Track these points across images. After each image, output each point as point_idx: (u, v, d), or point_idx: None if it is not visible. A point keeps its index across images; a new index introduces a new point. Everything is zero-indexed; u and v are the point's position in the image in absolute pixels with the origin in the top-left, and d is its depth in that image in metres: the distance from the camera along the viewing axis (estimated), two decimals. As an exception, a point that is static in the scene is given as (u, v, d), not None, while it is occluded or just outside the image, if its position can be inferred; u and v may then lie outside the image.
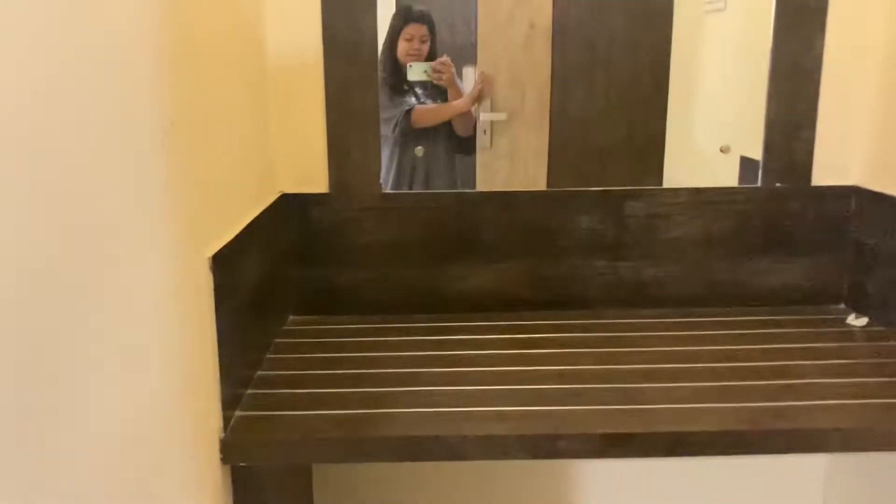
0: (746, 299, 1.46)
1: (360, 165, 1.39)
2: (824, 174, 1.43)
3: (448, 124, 1.82)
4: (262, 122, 1.31)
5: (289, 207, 1.39)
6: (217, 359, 0.97)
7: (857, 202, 1.42)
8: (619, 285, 1.45)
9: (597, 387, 1.12)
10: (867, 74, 1.38)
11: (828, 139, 1.41)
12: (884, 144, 1.37)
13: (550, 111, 1.88)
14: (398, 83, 1.78)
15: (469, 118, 1.77)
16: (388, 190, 1.43)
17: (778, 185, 1.43)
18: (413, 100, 1.80)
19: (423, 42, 1.79)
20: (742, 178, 1.66)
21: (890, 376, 1.16)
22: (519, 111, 1.81)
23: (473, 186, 1.80)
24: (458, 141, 1.81)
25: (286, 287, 1.41)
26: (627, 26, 1.96)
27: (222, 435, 0.99)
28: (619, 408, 1.06)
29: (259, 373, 1.18)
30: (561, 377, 1.16)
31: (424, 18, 1.80)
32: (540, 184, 1.80)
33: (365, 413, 1.05)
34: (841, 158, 1.42)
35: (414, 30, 1.78)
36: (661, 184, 1.81)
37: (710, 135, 1.98)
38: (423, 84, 1.79)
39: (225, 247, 1.00)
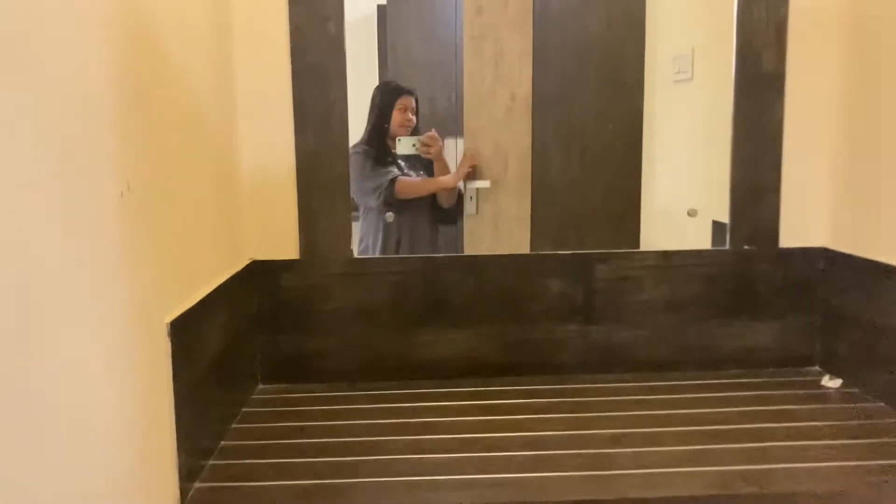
0: (718, 363, 1.45)
1: (330, 232, 1.39)
2: (791, 236, 1.44)
3: (432, 195, 1.86)
4: (231, 188, 1.32)
5: (258, 274, 1.38)
6: (174, 428, 0.94)
7: (825, 263, 1.43)
8: (590, 349, 1.44)
9: (565, 453, 1.10)
10: (829, 136, 1.42)
11: (793, 201, 1.43)
12: (848, 205, 1.39)
13: (532, 179, 1.93)
14: (383, 155, 1.83)
15: (453, 192, 1.81)
16: (360, 255, 1.43)
17: (746, 247, 1.44)
18: (396, 170, 1.84)
19: (413, 113, 1.86)
20: (714, 242, 1.68)
21: (865, 438, 1.14)
22: (502, 179, 1.86)
23: (461, 252, 1.82)
24: (441, 212, 1.85)
25: (254, 355, 1.39)
26: (601, 97, 2.03)
27: (178, 508, 0.96)
28: (587, 474, 1.04)
29: (223, 443, 1.15)
30: (529, 444, 1.13)
31: (412, 92, 1.88)
32: (523, 248, 1.83)
33: (328, 483, 1.02)
34: (807, 220, 1.44)
35: (406, 101, 1.85)
36: (638, 247, 1.83)
37: (681, 199, 2.01)
38: (408, 157, 1.83)
39: (185, 313, 0.99)
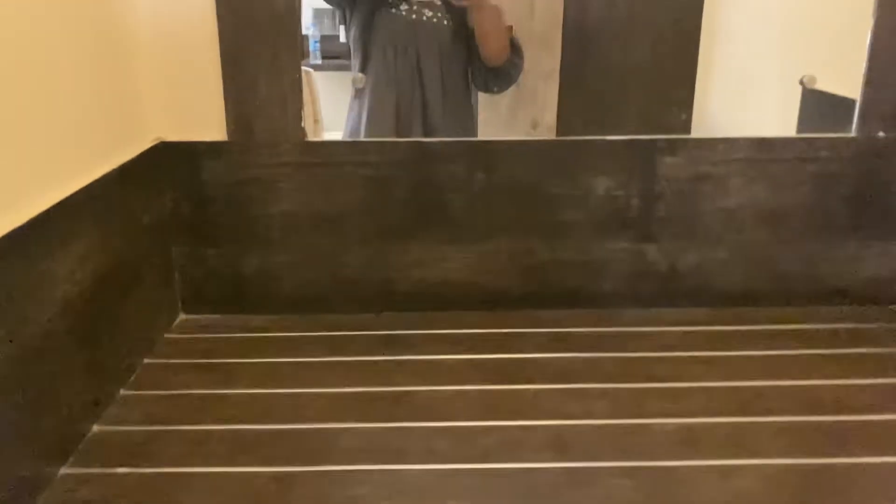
0: (825, 297, 1.03)
1: (271, 100, 0.94)
2: (951, 120, 0.98)
3: (469, 44, 1.33)
4: (116, 35, 0.86)
5: (171, 161, 0.96)
6: None
7: None
8: (645, 276, 1.02)
9: (609, 466, 0.71)
10: None
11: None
12: None
13: (564, 22, 1.47)
14: None
15: (501, 33, 1.28)
16: (315, 137, 0.98)
17: (882, 134, 0.98)
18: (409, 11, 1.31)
19: None
20: (808, 122, 1.21)
21: None
22: (527, 22, 1.49)
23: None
24: (486, 73, 1.35)
25: (171, 273, 0.99)
26: None
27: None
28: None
29: (95, 428, 0.77)
30: (557, 444, 0.74)
31: None
32: (550, 116, 1.38)
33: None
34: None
35: None
36: (689, 119, 1.38)
37: (764, 56, 1.51)
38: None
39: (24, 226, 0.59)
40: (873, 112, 0.98)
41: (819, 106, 1.21)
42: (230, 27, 0.91)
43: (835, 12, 1.20)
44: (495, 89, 1.40)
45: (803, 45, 1.34)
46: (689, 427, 0.77)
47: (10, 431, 0.62)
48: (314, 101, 2.09)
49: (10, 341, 0.62)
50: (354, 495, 0.67)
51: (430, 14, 1.31)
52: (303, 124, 0.95)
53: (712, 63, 1.37)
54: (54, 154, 0.73)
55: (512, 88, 1.43)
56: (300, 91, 0.95)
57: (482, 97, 1.54)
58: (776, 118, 1.39)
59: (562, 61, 1.30)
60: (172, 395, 0.83)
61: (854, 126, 0.99)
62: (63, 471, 0.70)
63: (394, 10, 1.29)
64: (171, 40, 0.92)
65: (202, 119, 0.95)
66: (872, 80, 0.97)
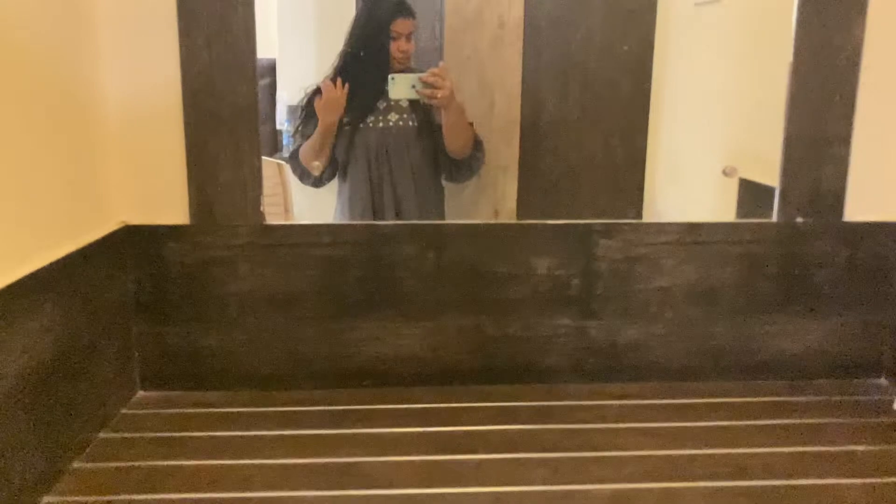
0: (756, 371, 1.09)
1: (232, 186, 1.00)
2: (861, 206, 1.07)
3: (435, 140, 1.42)
4: (85, 123, 0.93)
5: (135, 244, 1.00)
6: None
7: (903, 243, 1.06)
8: (587, 351, 1.08)
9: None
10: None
11: (867, 160, 1.06)
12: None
13: (521, 120, 1.57)
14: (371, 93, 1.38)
15: (463, 133, 1.37)
16: (272, 221, 1.04)
17: (800, 220, 1.07)
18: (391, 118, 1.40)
19: (409, 41, 1.39)
20: (741, 209, 1.31)
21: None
22: (487, 120, 1.51)
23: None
24: (452, 165, 1.42)
25: (131, 352, 1.02)
26: (606, 24, 1.64)
27: None
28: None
29: (45, 500, 0.79)
30: (497, 507, 0.78)
31: (411, 12, 1.40)
32: (509, 202, 1.46)
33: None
34: (884, 186, 1.07)
35: (402, 26, 1.38)
36: (641, 208, 1.46)
37: (700, 151, 1.62)
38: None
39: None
40: (791, 199, 1.07)
41: (754, 193, 1.31)
42: (195, 119, 0.98)
43: (756, 108, 1.31)
44: (459, 179, 1.48)
45: (735, 137, 1.45)
46: (624, 492, 0.81)
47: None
48: (286, 192, 2.16)
49: None
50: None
51: (397, 118, 1.41)
52: (263, 209, 1.02)
53: (657, 153, 1.48)
54: (22, 232, 0.78)
55: (474, 179, 1.52)
56: (260, 178, 1.01)
57: (448, 187, 1.63)
58: (718, 205, 1.48)
59: (520, 154, 1.39)
60: (124, 468, 0.85)
61: (775, 212, 1.08)
62: None
63: (361, 125, 1.38)
64: (138, 130, 0.99)
65: (166, 203, 1.00)
66: (788, 170, 1.06)
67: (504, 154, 1.51)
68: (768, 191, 1.17)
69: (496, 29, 1.52)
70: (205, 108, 0.98)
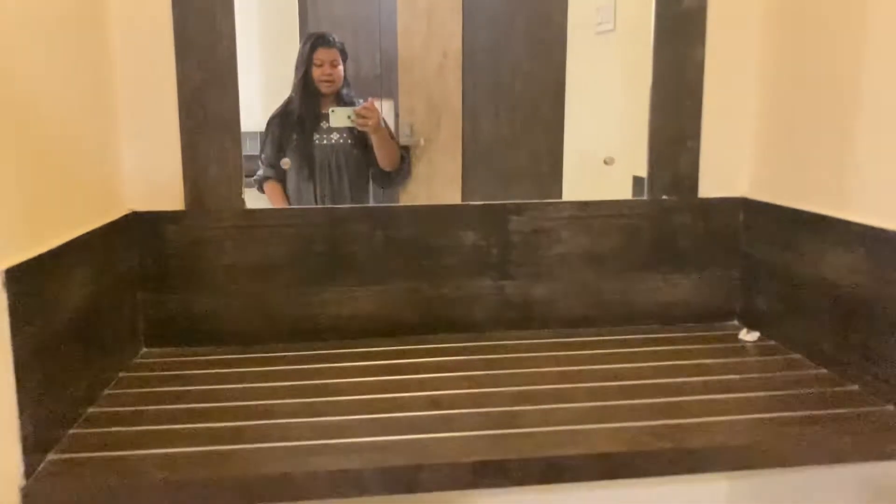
0: (636, 318, 1.39)
1: (220, 179, 1.26)
2: (711, 186, 1.38)
3: (368, 155, 1.69)
4: (104, 128, 1.18)
5: (139, 227, 1.25)
6: (15, 392, 0.82)
7: (745, 214, 1.38)
8: (504, 305, 1.36)
9: (470, 411, 1.02)
10: (749, 83, 1.36)
11: (713, 150, 1.38)
12: (769, 154, 1.33)
13: (463, 137, 1.84)
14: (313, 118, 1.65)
15: (394, 151, 1.66)
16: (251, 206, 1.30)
17: (665, 197, 1.38)
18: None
19: (333, 66, 1.68)
20: (635, 196, 1.62)
21: (782, 390, 1.10)
22: (435, 137, 1.77)
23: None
24: (382, 175, 1.70)
25: (137, 316, 1.26)
26: (528, 53, 1.94)
27: (22, 483, 0.84)
28: (490, 433, 0.96)
29: (90, 410, 1.03)
30: (433, 404, 1.05)
31: (332, 42, 1.70)
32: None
33: (201, 451, 0.91)
34: (727, 169, 1.39)
35: (324, 55, 1.67)
36: (560, 194, 1.76)
37: (601, 152, 1.95)
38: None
39: (29, 261, 0.86)
40: (657, 182, 1.38)
41: (640, 185, 1.62)
42: (189, 127, 1.24)
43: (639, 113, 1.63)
44: (388, 187, 1.77)
45: (623, 136, 1.77)
46: (526, 391, 1.09)
47: None
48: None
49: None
50: (290, 434, 0.95)
51: (337, 136, 1.69)
52: (243, 197, 1.28)
53: (571, 154, 1.80)
54: (63, 213, 1.02)
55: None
56: (241, 173, 1.28)
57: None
58: (613, 189, 1.79)
59: (462, 164, 1.68)
60: (144, 393, 1.10)
61: (645, 192, 1.39)
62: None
63: (309, 142, 1.67)
64: (144, 131, 1.24)
65: (165, 194, 1.25)
66: (653, 160, 1.38)
67: (450, 167, 1.80)
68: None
69: (441, 58, 1.79)
70: (197, 117, 1.24)
